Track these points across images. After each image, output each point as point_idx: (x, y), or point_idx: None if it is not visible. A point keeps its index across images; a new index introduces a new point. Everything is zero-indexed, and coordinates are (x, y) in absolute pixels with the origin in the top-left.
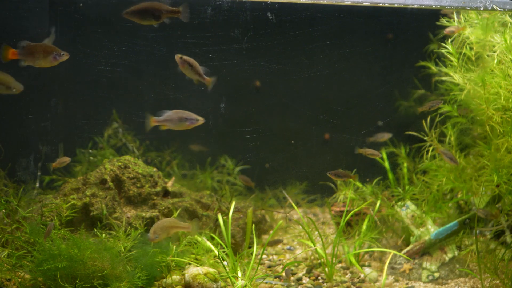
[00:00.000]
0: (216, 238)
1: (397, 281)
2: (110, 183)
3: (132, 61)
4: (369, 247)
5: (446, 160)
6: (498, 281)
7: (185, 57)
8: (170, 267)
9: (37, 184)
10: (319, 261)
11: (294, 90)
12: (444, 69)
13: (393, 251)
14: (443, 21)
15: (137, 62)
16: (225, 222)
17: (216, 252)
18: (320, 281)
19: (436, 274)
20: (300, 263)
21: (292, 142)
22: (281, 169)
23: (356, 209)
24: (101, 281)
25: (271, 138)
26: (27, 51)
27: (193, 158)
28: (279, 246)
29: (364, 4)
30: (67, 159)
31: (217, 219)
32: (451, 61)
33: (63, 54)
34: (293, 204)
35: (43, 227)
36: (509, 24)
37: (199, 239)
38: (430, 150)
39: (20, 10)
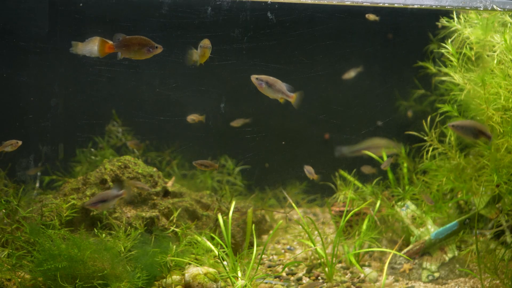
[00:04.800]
0: (216, 238)
1: (397, 281)
2: (110, 183)
3: (132, 61)
4: (369, 247)
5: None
6: (498, 281)
7: (262, 77)
8: (170, 267)
9: (37, 184)
10: (319, 261)
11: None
12: (444, 69)
13: (393, 251)
14: (443, 21)
15: (137, 62)
16: (225, 222)
17: (216, 252)
18: (320, 281)
19: (436, 274)
20: (300, 263)
21: (283, 143)
22: (281, 169)
23: (356, 209)
24: (101, 281)
25: (271, 138)
26: (123, 44)
27: (193, 158)
28: (279, 246)
29: (364, 4)
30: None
31: (217, 219)
32: (451, 61)
33: (156, 47)
34: (293, 204)
35: (43, 227)
36: (509, 24)
37: (199, 239)
38: (430, 150)
39: (20, 10)
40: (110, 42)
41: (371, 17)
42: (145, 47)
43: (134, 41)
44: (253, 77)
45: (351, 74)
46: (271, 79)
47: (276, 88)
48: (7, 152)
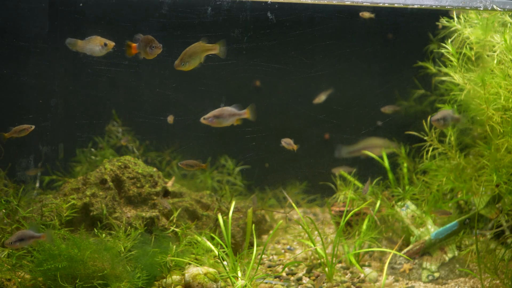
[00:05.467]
0: (216, 238)
1: (397, 281)
2: (110, 183)
3: (132, 61)
4: (369, 247)
5: None
6: (498, 281)
7: (208, 115)
8: (170, 267)
9: (37, 184)
10: (319, 261)
11: (294, 90)
12: (444, 69)
13: (393, 251)
14: (443, 21)
15: (137, 62)
16: (225, 222)
17: (216, 252)
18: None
19: (436, 274)
20: (300, 263)
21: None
22: (281, 169)
23: (356, 209)
24: (101, 281)
25: (271, 138)
26: (140, 44)
27: (193, 158)
28: (279, 246)
29: (364, 4)
30: None
31: (217, 219)
32: (451, 61)
33: (153, 47)
34: (293, 204)
35: (43, 227)
36: (509, 24)
37: (199, 239)
38: (430, 150)
39: (20, 10)
40: (135, 44)
41: (366, 15)
42: (148, 46)
43: (144, 40)
44: (202, 120)
45: (321, 98)
46: (216, 111)
47: (225, 116)
48: (17, 137)
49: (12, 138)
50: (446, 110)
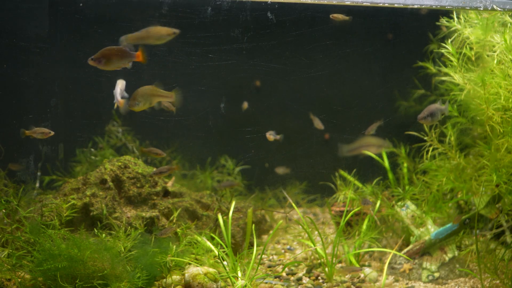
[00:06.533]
0: (216, 238)
1: (397, 281)
2: (110, 183)
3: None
4: (369, 247)
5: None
6: (498, 281)
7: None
8: (170, 267)
9: (37, 184)
10: (319, 261)
11: (294, 90)
12: (444, 69)
13: (393, 251)
14: (443, 21)
15: (136, 62)
16: (225, 222)
17: (216, 252)
18: (320, 281)
19: (436, 274)
20: (300, 263)
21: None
22: (281, 169)
23: (356, 209)
24: (101, 281)
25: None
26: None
27: (193, 158)
28: (279, 246)
29: (364, 4)
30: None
31: (217, 219)
32: (451, 61)
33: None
34: (293, 204)
35: (43, 227)
36: (509, 24)
37: (199, 239)
38: (430, 150)
39: (20, 10)
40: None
41: (340, 17)
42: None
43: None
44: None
45: (318, 123)
46: (141, 89)
47: (150, 95)
48: (35, 139)
49: (31, 137)
50: (431, 105)
